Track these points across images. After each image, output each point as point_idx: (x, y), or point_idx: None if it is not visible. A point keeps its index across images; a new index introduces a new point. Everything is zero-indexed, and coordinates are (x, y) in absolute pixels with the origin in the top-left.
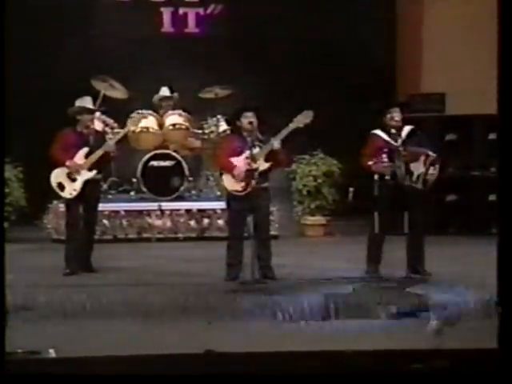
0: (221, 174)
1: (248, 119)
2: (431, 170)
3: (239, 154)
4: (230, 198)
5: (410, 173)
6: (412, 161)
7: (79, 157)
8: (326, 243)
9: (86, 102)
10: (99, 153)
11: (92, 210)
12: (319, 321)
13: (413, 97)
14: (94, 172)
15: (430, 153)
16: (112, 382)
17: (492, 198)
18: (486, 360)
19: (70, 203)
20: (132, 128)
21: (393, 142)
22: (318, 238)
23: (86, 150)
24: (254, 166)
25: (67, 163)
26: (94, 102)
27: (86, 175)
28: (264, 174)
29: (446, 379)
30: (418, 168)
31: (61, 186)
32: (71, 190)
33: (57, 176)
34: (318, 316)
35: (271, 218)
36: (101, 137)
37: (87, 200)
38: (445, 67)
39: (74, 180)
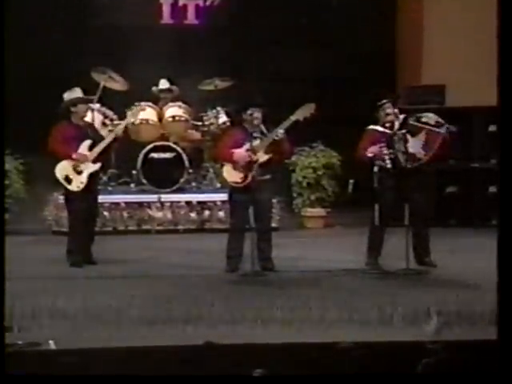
0: (221, 166)
1: (251, 111)
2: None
3: (240, 145)
4: (232, 189)
5: (409, 155)
6: (413, 135)
7: (83, 149)
8: (325, 235)
9: (77, 93)
10: (103, 145)
11: (95, 202)
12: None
13: (413, 89)
14: (99, 164)
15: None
16: (111, 374)
17: (492, 189)
18: (485, 351)
19: (72, 196)
20: (132, 119)
21: (388, 131)
22: (318, 230)
23: (88, 142)
24: (254, 157)
25: (74, 156)
26: (85, 93)
27: (92, 168)
28: (264, 166)
29: (446, 372)
30: (415, 146)
31: (68, 180)
32: (78, 182)
33: (63, 169)
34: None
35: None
36: (95, 129)
37: (90, 192)
38: (445, 59)
39: (79, 173)
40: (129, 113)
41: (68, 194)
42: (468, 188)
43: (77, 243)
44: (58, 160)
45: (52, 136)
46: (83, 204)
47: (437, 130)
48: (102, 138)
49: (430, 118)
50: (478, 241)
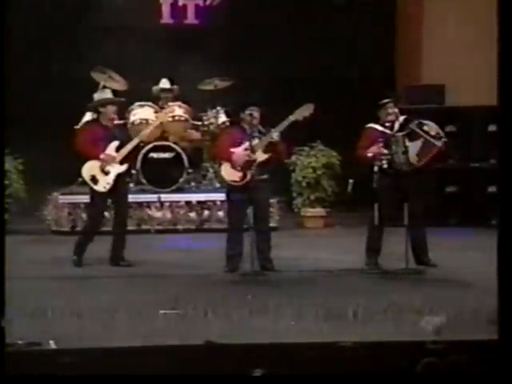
0: (220, 165)
1: (249, 111)
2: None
3: (239, 145)
4: (230, 189)
5: (408, 157)
6: (411, 139)
7: (110, 150)
8: (325, 235)
9: (107, 93)
10: (130, 146)
11: (124, 203)
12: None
13: (412, 88)
14: (126, 166)
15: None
16: (111, 374)
17: (491, 189)
18: (485, 351)
19: (97, 196)
20: (163, 119)
21: (388, 131)
22: (318, 230)
23: (116, 143)
24: (253, 157)
25: (101, 156)
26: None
27: (119, 169)
28: (263, 166)
29: (446, 371)
30: (411, 151)
31: (94, 180)
32: (105, 183)
33: (89, 169)
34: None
35: (271, 209)
36: (125, 129)
37: (118, 194)
38: (445, 59)
39: (107, 173)
40: (160, 114)
41: (94, 195)
42: (468, 188)
43: (85, 244)
44: (84, 160)
45: (79, 136)
46: (106, 205)
47: (434, 141)
48: (129, 140)
49: (432, 127)
50: (477, 241)
